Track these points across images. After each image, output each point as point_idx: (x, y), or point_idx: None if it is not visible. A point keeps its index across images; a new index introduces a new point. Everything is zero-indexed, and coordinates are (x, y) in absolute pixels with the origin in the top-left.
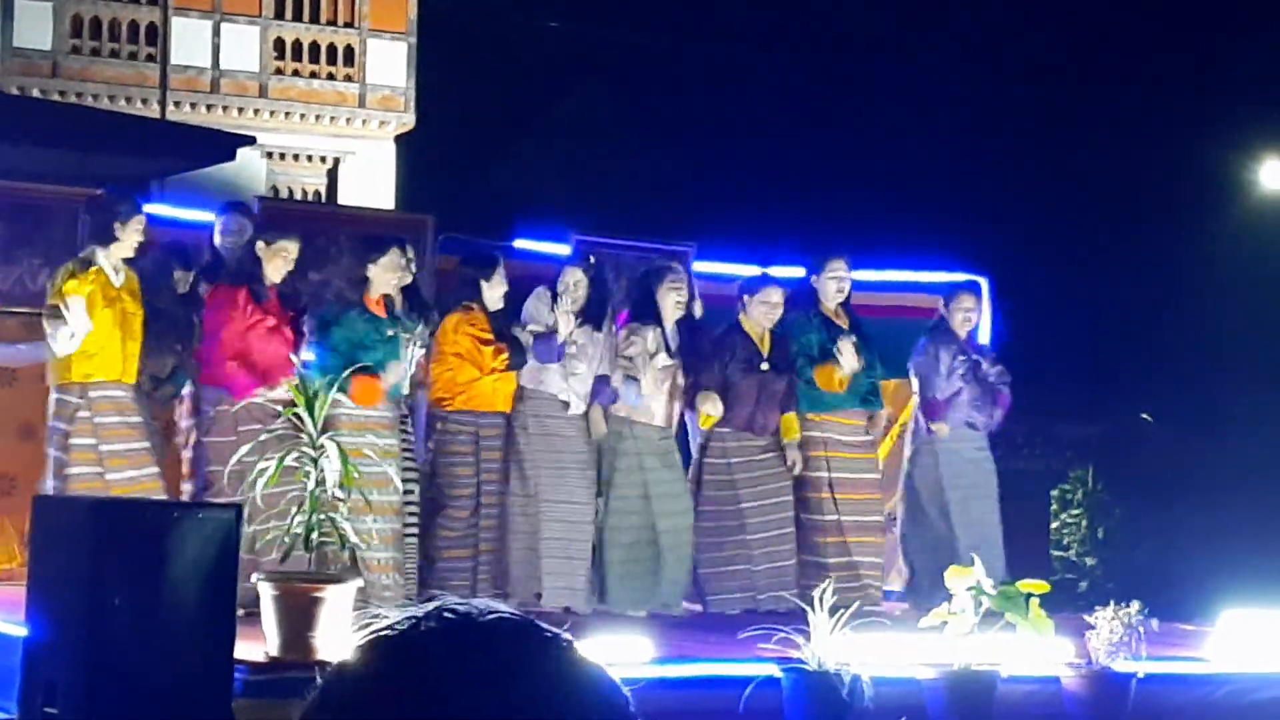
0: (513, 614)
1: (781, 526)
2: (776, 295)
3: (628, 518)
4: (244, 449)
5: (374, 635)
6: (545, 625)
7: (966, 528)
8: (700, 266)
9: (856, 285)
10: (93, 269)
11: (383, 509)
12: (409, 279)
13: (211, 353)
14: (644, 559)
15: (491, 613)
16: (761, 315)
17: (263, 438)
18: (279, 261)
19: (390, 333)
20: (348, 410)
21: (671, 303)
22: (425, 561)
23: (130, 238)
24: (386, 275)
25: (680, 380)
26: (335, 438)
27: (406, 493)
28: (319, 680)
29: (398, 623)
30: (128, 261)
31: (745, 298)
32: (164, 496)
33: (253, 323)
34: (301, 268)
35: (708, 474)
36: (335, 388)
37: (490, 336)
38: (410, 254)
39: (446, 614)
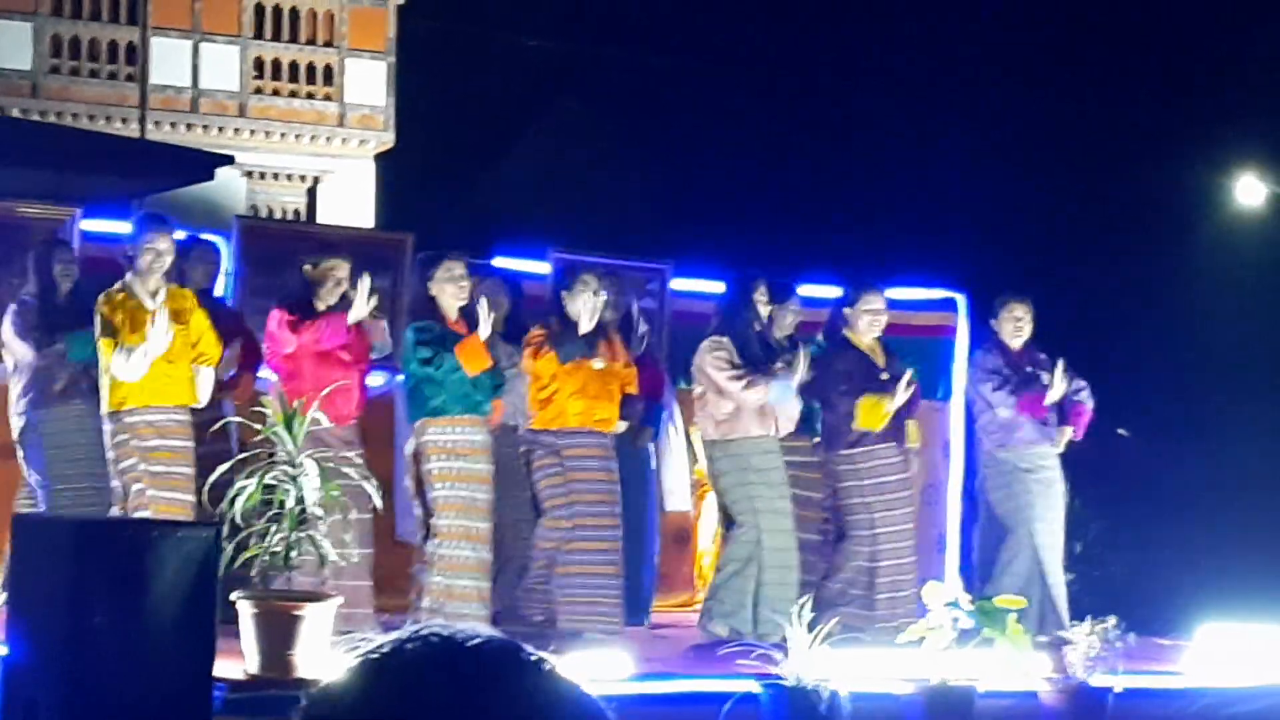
0: (496, 637)
1: (906, 555)
2: (878, 302)
3: (745, 533)
4: (222, 467)
5: (359, 657)
6: (527, 648)
7: (1042, 538)
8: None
9: (835, 303)
10: (118, 295)
11: (484, 537)
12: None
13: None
14: (749, 576)
15: (475, 636)
16: (867, 325)
17: (243, 456)
18: (330, 284)
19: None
20: (448, 436)
21: (761, 312)
22: (519, 585)
23: (144, 258)
24: (450, 287)
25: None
26: (435, 465)
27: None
28: (303, 700)
29: (382, 645)
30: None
31: (846, 310)
32: None
33: (302, 345)
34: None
35: (847, 498)
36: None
37: (535, 345)
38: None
39: (430, 636)
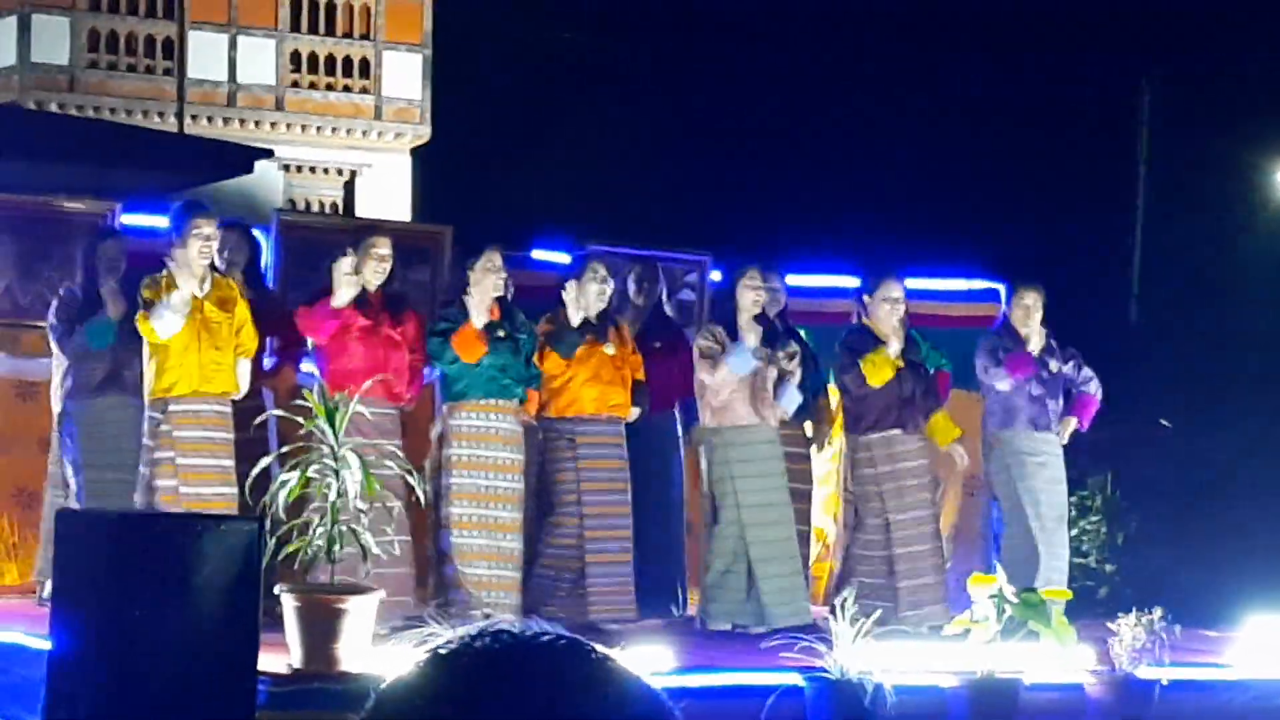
0: (562, 634)
1: (923, 541)
2: (897, 290)
3: (727, 528)
4: (265, 460)
5: (428, 652)
6: (594, 645)
7: (1043, 534)
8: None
9: (855, 292)
10: (164, 281)
11: (506, 526)
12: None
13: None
14: (741, 572)
15: (542, 633)
16: (886, 313)
17: (284, 449)
18: (373, 263)
19: (501, 334)
20: (473, 422)
21: (749, 300)
22: (529, 574)
23: (191, 245)
24: (491, 278)
25: (768, 375)
26: (453, 450)
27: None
28: (371, 695)
29: (450, 641)
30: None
31: (865, 298)
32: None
33: (344, 326)
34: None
35: (860, 485)
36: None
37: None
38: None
39: (500, 634)
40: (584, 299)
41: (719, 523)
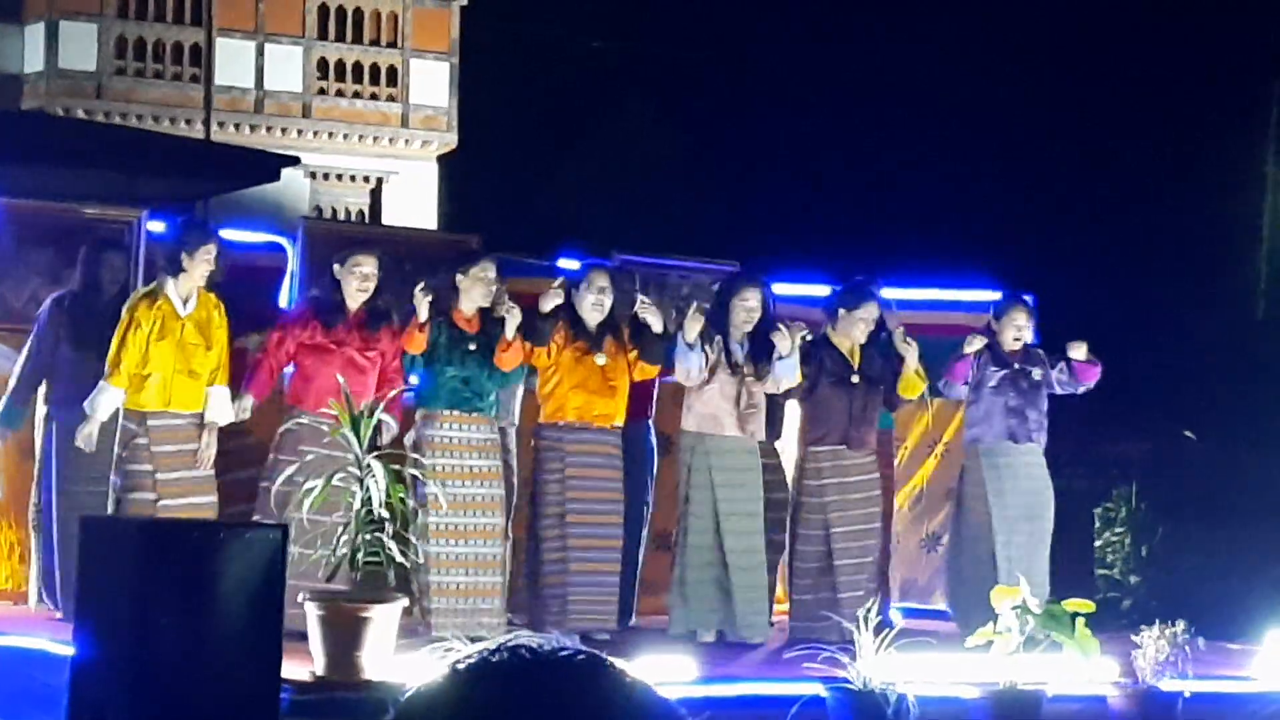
0: (580, 649)
1: (864, 555)
2: (876, 310)
3: (699, 536)
4: (289, 470)
5: (449, 666)
6: (611, 659)
7: (1009, 550)
8: None
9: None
10: (158, 300)
11: (483, 533)
12: (490, 297)
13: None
14: (712, 580)
15: (561, 648)
16: (861, 332)
17: (309, 458)
18: (354, 281)
19: (472, 347)
20: (444, 432)
21: (741, 316)
22: (524, 581)
23: (198, 268)
24: (480, 287)
25: (753, 390)
26: (432, 459)
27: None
28: (391, 709)
29: (469, 655)
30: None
31: (841, 311)
32: None
33: (309, 343)
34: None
35: (804, 495)
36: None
37: (545, 343)
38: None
39: (516, 649)
40: (580, 309)
41: (689, 530)
